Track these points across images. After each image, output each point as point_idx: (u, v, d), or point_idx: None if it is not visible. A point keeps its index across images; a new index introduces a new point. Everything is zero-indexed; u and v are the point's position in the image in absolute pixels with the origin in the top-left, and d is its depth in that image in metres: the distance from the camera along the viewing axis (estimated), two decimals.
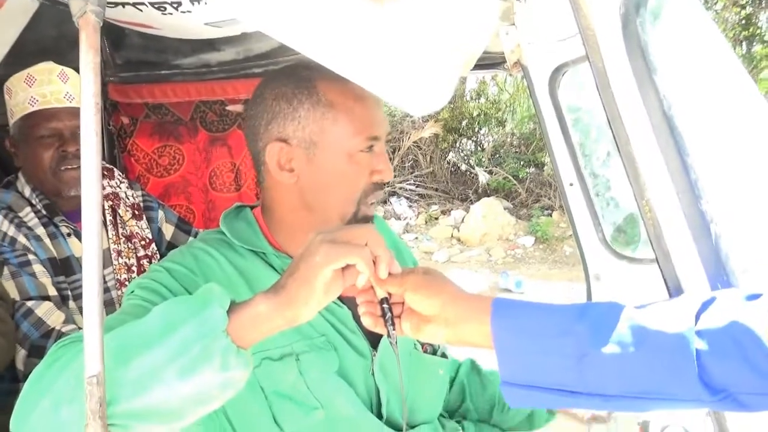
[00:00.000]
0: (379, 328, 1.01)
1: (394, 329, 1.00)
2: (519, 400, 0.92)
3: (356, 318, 1.26)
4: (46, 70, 2.05)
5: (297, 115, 1.22)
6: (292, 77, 1.24)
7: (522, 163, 10.45)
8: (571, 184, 2.09)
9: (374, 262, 0.94)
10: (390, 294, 1.00)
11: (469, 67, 1.63)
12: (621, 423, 1.56)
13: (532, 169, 10.43)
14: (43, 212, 2.07)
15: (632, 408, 0.89)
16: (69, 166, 2.03)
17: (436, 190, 10.63)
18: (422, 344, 1.40)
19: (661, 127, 0.90)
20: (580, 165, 2.06)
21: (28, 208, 2.06)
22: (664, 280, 0.94)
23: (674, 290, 0.93)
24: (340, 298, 0.95)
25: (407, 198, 10.47)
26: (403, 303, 1.01)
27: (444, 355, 1.48)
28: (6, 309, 1.86)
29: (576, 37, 1.82)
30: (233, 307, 0.90)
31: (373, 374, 1.26)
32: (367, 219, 1.25)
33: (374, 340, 1.28)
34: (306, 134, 1.21)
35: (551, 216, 9.63)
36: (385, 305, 1.00)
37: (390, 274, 0.96)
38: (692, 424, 1.38)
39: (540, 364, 0.89)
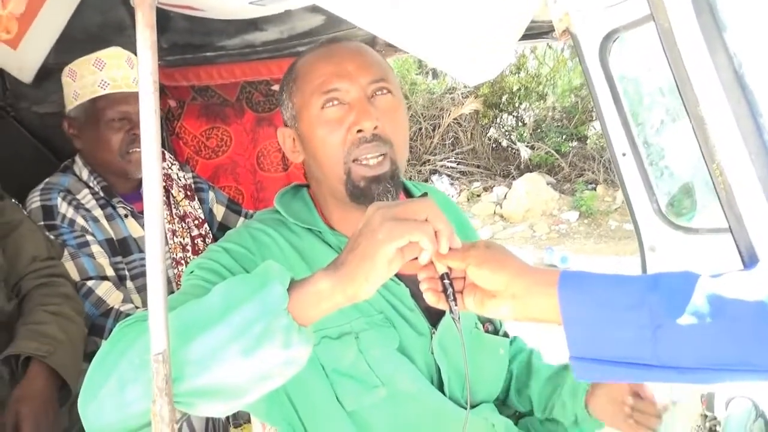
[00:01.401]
0: (441, 304, 0.99)
1: (456, 305, 0.98)
2: (588, 374, 0.90)
3: (414, 296, 1.25)
4: (115, 55, 2.09)
5: (284, 97, 1.29)
6: (288, 67, 1.31)
7: (564, 137, 10.30)
8: (624, 154, 2.04)
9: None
10: (450, 269, 0.98)
11: (517, 37, 1.61)
12: (684, 394, 1.53)
13: (575, 143, 10.27)
14: (101, 194, 2.12)
15: (709, 380, 0.86)
16: (138, 149, 2.07)
17: (478, 166, 10.55)
18: (483, 323, 1.37)
19: (732, 86, 0.86)
20: (633, 134, 2.01)
21: (86, 191, 2.11)
22: (737, 246, 0.91)
23: (748, 257, 0.90)
24: (397, 275, 0.94)
25: (448, 176, 10.41)
26: (464, 278, 0.99)
27: (506, 335, 1.44)
28: (75, 291, 1.92)
29: (628, 1, 1.77)
30: (293, 285, 0.90)
31: (432, 352, 1.25)
32: (365, 179, 1.20)
33: (433, 318, 1.27)
34: (291, 113, 1.28)
35: (595, 190, 9.49)
36: (446, 280, 0.98)
37: (450, 248, 0.94)
38: (759, 395, 1.34)
39: (611, 337, 0.86)
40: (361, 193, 1.21)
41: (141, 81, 0.80)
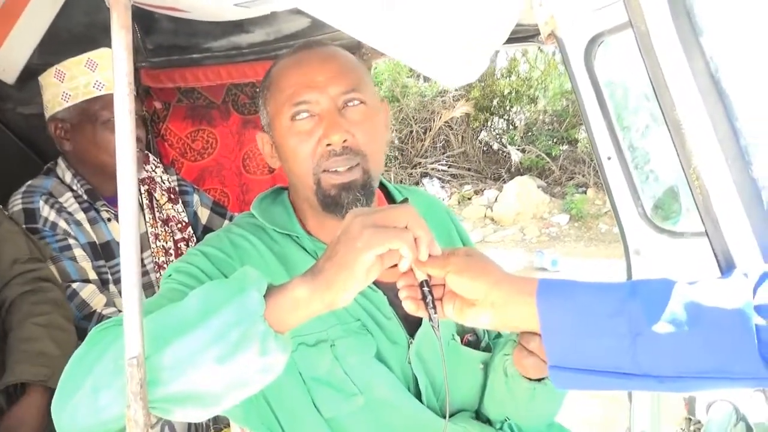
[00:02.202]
0: (420, 312, 0.98)
1: (435, 312, 0.97)
2: (567, 383, 0.89)
3: (392, 304, 1.24)
4: (107, 55, 2.06)
5: (260, 102, 1.29)
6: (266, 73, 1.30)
7: (555, 140, 10.32)
8: (609, 158, 2.05)
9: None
10: (430, 276, 0.97)
11: (502, 40, 1.60)
12: (666, 399, 1.53)
13: (566, 147, 10.29)
14: (84, 197, 2.11)
15: (689, 388, 0.86)
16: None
17: (469, 169, 10.55)
18: (462, 336, 1.34)
19: (709, 91, 0.86)
20: (618, 138, 2.02)
21: (69, 194, 2.09)
22: (714, 251, 0.91)
23: (725, 262, 0.90)
24: (375, 282, 0.93)
25: (439, 179, 10.41)
26: (444, 285, 0.98)
27: (488, 348, 1.39)
28: (64, 295, 1.89)
29: (613, 5, 1.77)
30: (270, 291, 0.89)
31: (409, 362, 1.24)
32: (335, 187, 1.18)
33: (411, 327, 1.26)
34: (266, 120, 1.27)
35: (586, 193, 9.50)
36: (425, 288, 0.97)
37: (430, 255, 0.94)
38: (740, 399, 1.35)
39: (590, 346, 0.86)
40: (332, 201, 1.19)
41: (116, 83, 0.80)
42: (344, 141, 1.17)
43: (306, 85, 1.18)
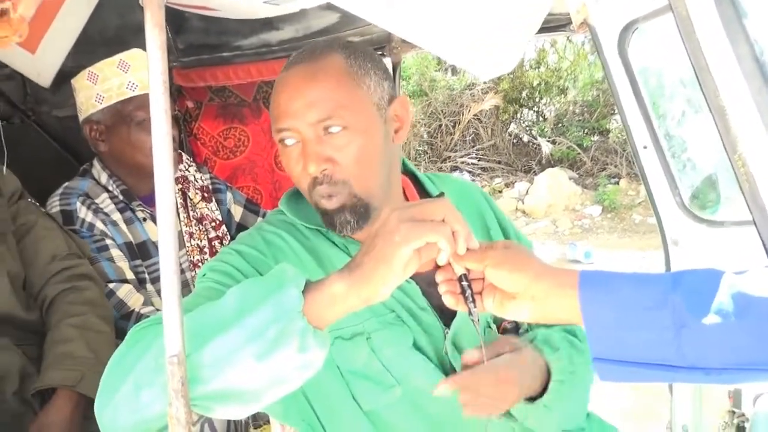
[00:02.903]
0: (460, 306, 0.98)
1: (475, 306, 0.96)
2: (612, 376, 0.88)
3: (426, 294, 1.24)
4: (139, 56, 2.08)
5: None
6: None
7: (586, 131, 10.22)
8: (645, 147, 2.01)
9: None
10: (468, 270, 0.96)
11: (534, 30, 1.58)
12: (709, 392, 1.50)
13: (597, 137, 10.18)
14: (120, 198, 2.13)
15: (736, 380, 0.84)
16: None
17: (499, 162, 10.50)
18: (499, 324, 1.33)
19: (754, 75, 0.84)
20: (654, 126, 1.98)
21: (105, 195, 2.11)
22: (762, 239, 0.88)
23: None
24: None
25: (470, 172, 10.37)
26: (483, 279, 0.98)
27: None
28: (102, 293, 1.91)
29: None
30: (308, 287, 0.89)
31: (446, 353, 1.23)
32: (326, 212, 1.18)
33: (446, 317, 1.25)
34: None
35: (618, 184, 9.40)
36: (464, 282, 0.96)
37: (468, 249, 0.93)
38: None
39: (634, 338, 0.84)
40: (329, 221, 1.19)
41: (151, 82, 0.80)
42: (323, 170, 1.15)
43: (285, 112, 1.16)
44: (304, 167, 1.16)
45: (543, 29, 1.93)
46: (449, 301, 0.98)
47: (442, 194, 1.27)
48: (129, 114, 2.07)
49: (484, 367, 1.12)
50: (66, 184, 2.12)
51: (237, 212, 2.47)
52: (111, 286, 1.96)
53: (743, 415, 1.58)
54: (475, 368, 1.13)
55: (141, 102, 2.06)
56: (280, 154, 1.22)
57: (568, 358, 1.24)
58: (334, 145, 1.15)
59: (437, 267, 0.98)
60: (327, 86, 1.15)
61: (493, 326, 1.33)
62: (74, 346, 1.71)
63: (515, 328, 1.36)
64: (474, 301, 0.96)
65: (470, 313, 0.97)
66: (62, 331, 1.74)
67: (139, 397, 0.86)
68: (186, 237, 2.23)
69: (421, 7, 1.22)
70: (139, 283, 2.06)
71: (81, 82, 2.10)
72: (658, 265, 2.14)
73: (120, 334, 1.90)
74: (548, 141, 10.16)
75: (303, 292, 0.87)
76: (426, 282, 1.23)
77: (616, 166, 9.65)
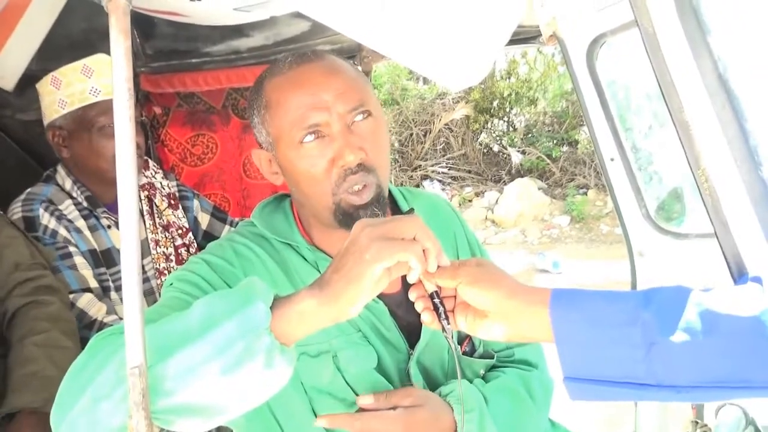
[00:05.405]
0: (434, 324, 0.97)
1: (448, 323, 0.96)
2: (583, 394, 0.87)
3: (392, 314, 1.23)
4: (104, 62, 2.05)
5: (256, 121, 1.23)
6: (254, 84, 1.25)
7: (555, 141, 10.32)
8: (612, 159, 2.04)
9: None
10: (440, 287, 0.96)
11: (503, 42, 1.59)
12: (673, 402, 1.52)
13: (566, 148, 10.29)
14: (84, 204, 2.09)
15: (706, 398, 0.84)
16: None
17: (469, 172, 10.54)
18: (460, 343, 1.32)
19: (717, 91, 0.85)
20: (621, 139, 2.01)
21: (69, 201, 2.07)
22: (723, 253, 0.89)
23: (735, 265, 0.88)
24: None
25: (440, 181, 10.40)
26: (455, 297, 0.98)
27: (486, 356, 1.36)
28: (67, 305, 1.86)
29: (615, 5, 1.76)
30: (276, 303, 0.88)
31: (408, 374, 1.23)
32: (354, 206, 1.15)
33: (411, 338, 1.24)
34: (266, 137, 1.21)
35: (587, 195, 9.50)
36: (435, 299, 0.96)
37: (439, 266, 0.93)
38: (749, 403, 1.33)
39: (605, 356, 0.84)
40: (349, 219, 1.15)
41: (115, 88, 0.78)
42: (360, 158, 1.14)
43: (313, 107, 1.13)
44: (338, 158, 1.13)
45: (513, 41, 1.95)
46: (427, 318, 0.98)
47: (411, 210, 1.27)
48: (91, 120, 2.04)
49: (371, 415, 1.14)
50: (29, 189, 2.08)
51: (204, 220, 2.45)
52: (71, 296, 1.92)
53: (706, 425, 1.60)
54: (363, 413, 1.14)
55: (103, 108, 2.03)
56: (293, 158, 1.17)
57: (479, 422, 1.19)
58: (363, 135, 1.16)
59: (406, 286, 0.98)
60: (349, 76, 1.17)
61: (458, 347, 1.31)
62: (39, 366, 1.67)
63: (471, 351, 1.35)
64: (447, 318, 0.96)
65: (444, 330, 0.97)
66: (26, 350, 1.69)
67: (98, 410, 0.84)
68: (152, 244, 2.20)
69: (390, 18, 1.22)
70: (103, 291, 2.02)
71: (45, 87, 2.06)
72: (625, 275, 2.16)
73: (82, 344, 1.87)
74: (518, 151, 10.24)
75: (271, 307, 0.86)
76: (394, 303, 1.23)
77: (584, 177, 9.75)
